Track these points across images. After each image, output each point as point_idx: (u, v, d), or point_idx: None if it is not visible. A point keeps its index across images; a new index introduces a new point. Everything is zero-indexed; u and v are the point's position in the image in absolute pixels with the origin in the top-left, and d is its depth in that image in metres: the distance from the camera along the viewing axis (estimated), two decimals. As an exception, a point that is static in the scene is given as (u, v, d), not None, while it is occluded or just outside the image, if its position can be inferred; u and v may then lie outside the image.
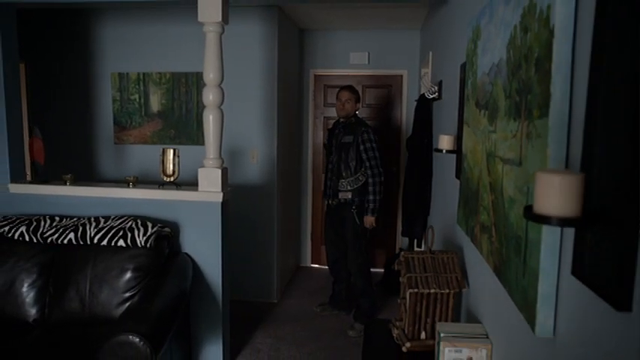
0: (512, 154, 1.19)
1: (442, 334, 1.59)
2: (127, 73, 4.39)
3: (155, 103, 4.39)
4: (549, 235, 0.97)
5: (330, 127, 4.09)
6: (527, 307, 1.06)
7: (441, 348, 1.55)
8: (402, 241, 5.09)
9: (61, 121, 4.50)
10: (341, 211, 3.80)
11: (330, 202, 3.89)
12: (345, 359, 3.41)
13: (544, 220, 0.76)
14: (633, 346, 0.70)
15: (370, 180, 3.65)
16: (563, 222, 0.75)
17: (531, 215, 0.78)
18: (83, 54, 4.45)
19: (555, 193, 0.74)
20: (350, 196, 3.71)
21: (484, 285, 1.65)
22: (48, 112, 4.49)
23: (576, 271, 0.85)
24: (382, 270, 4.85)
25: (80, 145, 4.53)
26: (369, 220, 3.68)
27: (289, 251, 4.99)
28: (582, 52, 0.88)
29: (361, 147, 3.65)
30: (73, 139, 4.52)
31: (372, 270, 4.02)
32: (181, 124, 4.38)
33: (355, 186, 3.69)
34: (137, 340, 2.18)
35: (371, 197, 3.65)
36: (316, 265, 5.44)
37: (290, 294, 4.63)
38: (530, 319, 1.04)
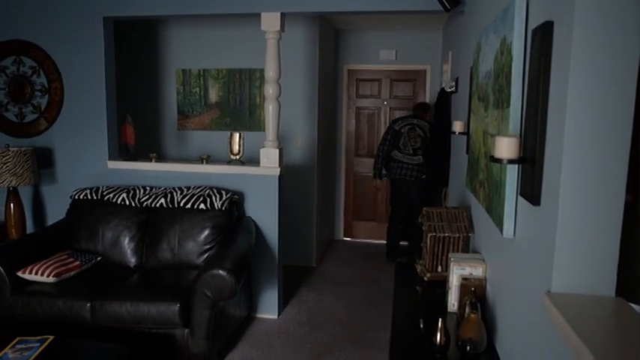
0: (495, 130, 1.86)
1: (452, 259, 2.28)
2: (190, 69, 5.15)
3: (213, 95, 5.14)
4: (510, 176, 1.65)
5: None
6: (499, 222, 1.75)
7: (451, 267, 2.24)
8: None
9: (134, 109, 5.27)
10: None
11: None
12: (377, 305, 4.13)
13: (499, 161, 1.44)
14: (541, 228, 1.38)
15: None
16: (509, 161, 1.43)
17: (493, 159, 1.47)
18: (153, 53, 5.21)
19: (505, 146, 1.43)
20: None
21: (482, 225, 2.33)
22: (124, 102, 5.27)
23: (521, 192, 1.54)
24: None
25: (149, 130, 5.31)
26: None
27: (325, 225, 5.70)
28: (527, 70, 1.56)
29: None
30: (143, 125, 5.28)
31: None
32: (236, 113, 5.12)
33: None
34: (225, 273, 2.92)
35: None
36: (348, 239, 6.15)
37: (326, 261, 5.36)
38: (501, 228, 1.72)
